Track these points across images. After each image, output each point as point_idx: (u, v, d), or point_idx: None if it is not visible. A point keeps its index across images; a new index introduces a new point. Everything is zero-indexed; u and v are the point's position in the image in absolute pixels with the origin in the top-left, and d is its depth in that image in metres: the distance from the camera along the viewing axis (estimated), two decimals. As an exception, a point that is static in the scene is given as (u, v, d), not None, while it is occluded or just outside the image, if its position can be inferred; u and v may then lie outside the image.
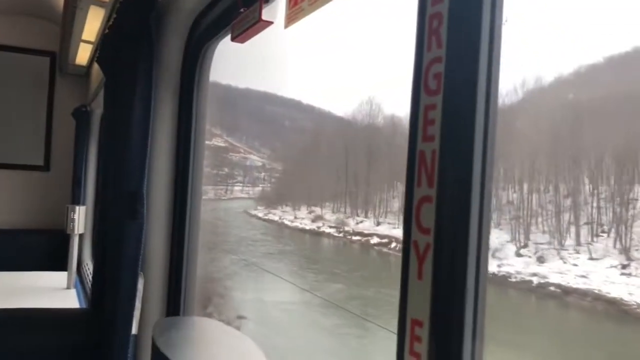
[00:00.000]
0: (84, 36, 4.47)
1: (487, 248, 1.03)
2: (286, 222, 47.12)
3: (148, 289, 2.53)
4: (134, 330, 2.29)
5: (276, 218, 49.89)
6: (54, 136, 6.19)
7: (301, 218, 47.65)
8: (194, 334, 1.94)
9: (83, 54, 5.15)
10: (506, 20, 1.07)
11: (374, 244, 37.58)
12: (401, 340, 1.10)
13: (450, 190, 1.03)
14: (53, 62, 6.17)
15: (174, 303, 2.55)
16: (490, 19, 1.02)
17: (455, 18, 1.04)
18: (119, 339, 2.24)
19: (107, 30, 2.95)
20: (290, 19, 1.61)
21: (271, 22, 1.84)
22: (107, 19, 3.66)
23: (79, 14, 3.88)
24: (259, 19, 1.83)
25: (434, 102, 1.06)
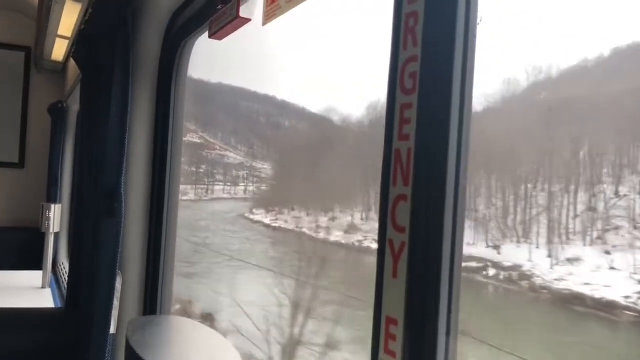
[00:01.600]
0: (60, 31, 4.40)
1: (462, 246, 1.04)
2: (307, 231, 44.91)
3: (125, 287, 2.50)
4: (112, 330, 2.27)
5: (290, 226, 44.98)
6: (29, 133, 6.09)
7: (326, 227, 45.98)
8: (167, 333, 1.93)
9: (59, 50, 5.07)
10: (481, 20, 1.08)
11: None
12: (376, 339, 1.10)
13: (426, 189, 1.04)
14: (28, 57, 6.06)
15: (152, 302, 2.53)
16: (465, 18, 1.03)
17: (431, 17, 1.05)
18: (96, 338, 2.21)
19: (83, 26, 2.91)
20: (268, 16, 1.61)
21: (249, 20, 1.83)
22: (84, 14, 3.61)
23: (55, 9, 3.81)
24: (237, 16, 1.82)
25: (410, 101, 1.06)
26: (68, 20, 4.05)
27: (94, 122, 2.50)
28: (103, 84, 2.39)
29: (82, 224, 2.57)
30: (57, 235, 5.22)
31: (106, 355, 2.19)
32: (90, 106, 2.64)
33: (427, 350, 1.02)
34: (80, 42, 2.98)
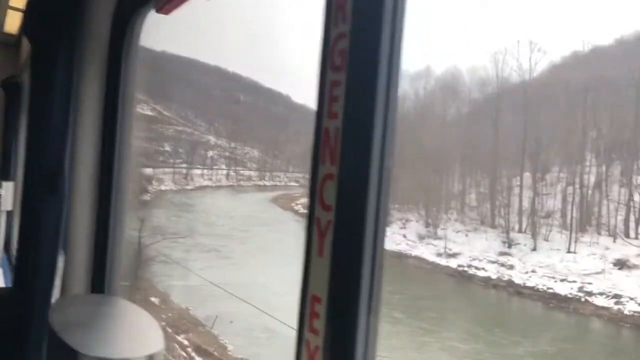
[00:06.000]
0: (12, 2, 4.25)
1: (385, 226, 1.05)
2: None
3: (72, 266, 2.46)
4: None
5: (430, 256, 44.83)
6: (-19, 108, 5.88)
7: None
8: (92, 312, 1.90)
9: (12, 22, 4.89)
10: None
11: None
12: (301, 318, 1.10)
13: (352, 168, 1.04)
14: (-20, 29, 5.83)
15: (99, 280, 2.49)
16: None
17: None
18: (37, 318, 2.17)
19: (31, -3, 2.81)
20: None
21: None
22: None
23: (4, -21, 3.68)
24: None
25: (339, 78, 1.05)
26: (19, -9, 3.91)
27: (39, 97, 2.42)
28: (50, 58, 2.31)
29: (27, 201, 2.51)
30: (10, 213, 5.09)
31: (45, 335, 2.15)
32: (37, 80, 2.56)
33: (348, 330, 1.03)
34: (29, 15, 2.88)
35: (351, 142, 1.04)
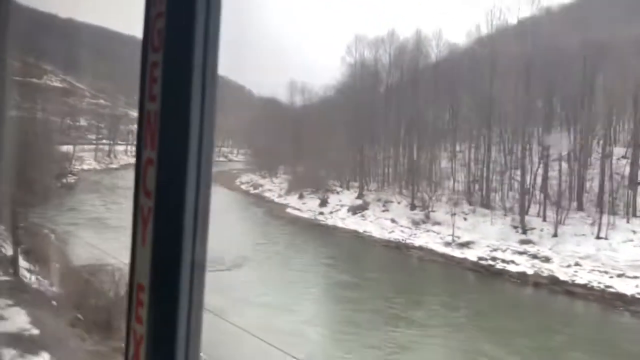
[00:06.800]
0: None
1: (207, 216, 1.02)
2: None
3: None
4: None
5: (436, 246, 36.91)
6: None
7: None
8: None
9: None
10: None
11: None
12: (130, 306, 1.08)
13: (170, 153, 1.00)
14: None
15: None
16: None
17: None
18: None
19: None
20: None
21: None
22: None
23: None
24: None
25: (157, 59, 1.01)
26: None
27: None
28: None
29: None
30: None
31: None
32: None
33: (169, 317, 1.01)
34: None
35: (169, 126, 1.00)
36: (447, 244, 37.19)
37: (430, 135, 50.68)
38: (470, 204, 43.12)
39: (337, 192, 52.62)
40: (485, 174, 45.31)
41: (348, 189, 53.64)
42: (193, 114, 0.98)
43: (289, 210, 50.46)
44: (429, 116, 51.55)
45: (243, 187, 63.41)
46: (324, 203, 50.23)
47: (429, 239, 38.76)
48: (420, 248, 37.75)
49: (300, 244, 38.56)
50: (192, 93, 0.98)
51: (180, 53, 0.98)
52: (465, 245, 36.49)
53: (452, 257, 35.53)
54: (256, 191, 60.72)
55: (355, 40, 59.83)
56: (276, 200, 55.70)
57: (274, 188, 60.28)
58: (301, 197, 53.07)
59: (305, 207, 50.56)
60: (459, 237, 37.40)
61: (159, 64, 1.01)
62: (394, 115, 55.43)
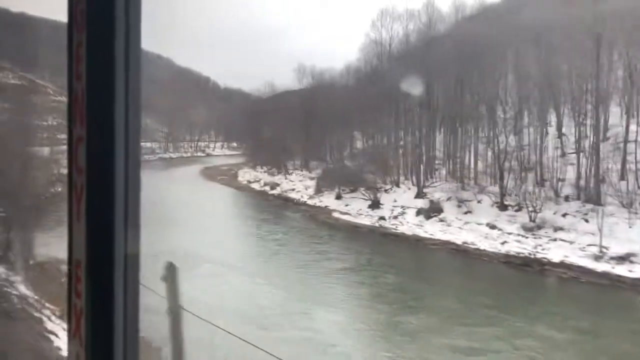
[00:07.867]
0: None
1: (138, 187, 1.05)
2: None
3: None
4: None
5: (578, 259, 25.79)
6: None
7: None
8: None
9: None
10: None
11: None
12: (69, 283, 1.11)
13: (98, 129, 1.03)
14: None
15: None
16: None
17: None
18: None
19: None
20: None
21: None
22: None
23: None
24: None
25: (81, 39, 1.04)
26: None
27: None
28: None
29: None
30: None
31: None
32: None
33: (104, 292, 1.04)
34: None
35: (95, 104, 1.03)
36: (597, 258, 27.22)
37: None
38: (584, 200, 32.85)
39: (386, 191, 43.03)
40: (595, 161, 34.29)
41: (398, 185, 44.07)
42: (118, 91, 1.01)
43: (336, 215, 40.88)
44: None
45: (254, 186, 55.09)
46: (375, 205, 40.70)
47: (566, 251, 28.58)
48: (563, 265, 27.35)
49: (413, 271, 27.91)
50: (115, 70, 1.00)
51: (103, 32, 1.00)
52: (626, 258, 26.60)
53: (619, 276, 25.25)
54: (275, 191, 51.73)
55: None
56: (308, 202, 46.32)
57: (296, 187, 51.48)
58: (339, 197, 44.21)
59: (353, 209, 41.39)
60: (607, 248, 27.46)
61: (82, 43, 1.03)
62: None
